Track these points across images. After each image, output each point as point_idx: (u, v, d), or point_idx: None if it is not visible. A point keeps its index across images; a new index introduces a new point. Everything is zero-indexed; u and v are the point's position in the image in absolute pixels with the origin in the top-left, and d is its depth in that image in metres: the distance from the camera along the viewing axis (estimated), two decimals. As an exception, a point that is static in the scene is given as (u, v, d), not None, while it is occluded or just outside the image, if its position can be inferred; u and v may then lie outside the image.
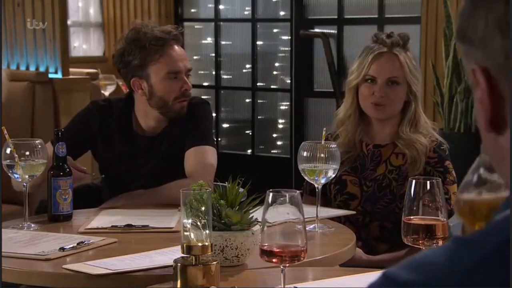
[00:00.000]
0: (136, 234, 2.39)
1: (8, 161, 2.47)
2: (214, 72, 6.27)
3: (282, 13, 6.01)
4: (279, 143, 6.11)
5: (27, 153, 2.48)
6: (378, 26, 5.35)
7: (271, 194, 1.68)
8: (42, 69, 4.90)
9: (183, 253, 1.77)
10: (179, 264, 1.76)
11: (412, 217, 1.88)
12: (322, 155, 2.43)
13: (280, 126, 6.10)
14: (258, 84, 6.11)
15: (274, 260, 1.69)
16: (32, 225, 2.45)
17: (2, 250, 2.09)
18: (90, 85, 4.96)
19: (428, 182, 1.88)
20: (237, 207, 1.96)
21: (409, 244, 1.89)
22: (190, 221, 1.76)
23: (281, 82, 6.07)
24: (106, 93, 5.24)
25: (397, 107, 2.68)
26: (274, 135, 6.14)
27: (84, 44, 6.37)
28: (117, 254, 2.11)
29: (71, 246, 2.17)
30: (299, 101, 5.85)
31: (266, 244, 1.69)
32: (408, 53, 2.68)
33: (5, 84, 4.52)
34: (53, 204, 2.53)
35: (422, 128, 2.68)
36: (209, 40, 6.32)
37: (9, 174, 2.49)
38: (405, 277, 0.77)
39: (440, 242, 1.86)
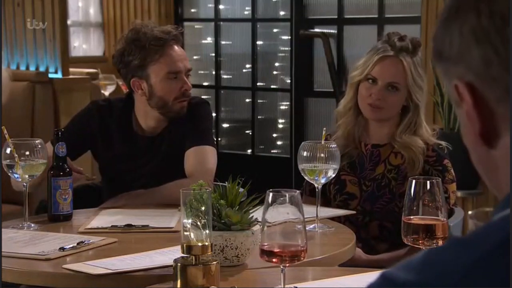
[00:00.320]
0: (136, 234, 2.39)
1: (8, 161, 2.47)
2: (214, 72, 6.27)
3: (282, 13, 6.01)
4: (279, 143, 6.11)
5: (27, 153, 2.48)
6: (378, 26, 5.35)
7: (271, 194, 1.68)
8: (42, 69, 4.90)
9: (183, 253, 1.77)
10: (179, 264, 1.76)
11: (412, 217, 1.88)
12: (322, 155, 2.43)
13: (280, 126, 6.10)
14: (258, 84, 6.11)
15: (274, 260, 1.69)
16: (32, 225, 2.45)
17: (2, 250, 2.09)
18: (90, 85, 4.96)
19: (428, 182, 1.88)
20: (237, 207, 1.96)
21: (409, 244, 1.89)
22: (190, 221, 1.76)
23: (281, 82, 6.06)
24: (106, 93, 5.24)
25: (393, 111, 2.68)
26: (274, 135, 6.14)
27: (84, 44, 6.37)
28: (117, 254, 2.11)
29: (71, 246, 2.17)
30: (299, 101, 5.85)
31: (266, 244, 1.69)
32: (415, 60, 2.66)
33: (8, 84, 4.52)
34: (53, 204, 2.53)
35: (420, 135, 2.67)
36: (209, 40, 6.32)
37: (9, 174, 2.49)
38: (403, 277, 0.77)
39: (440, 242, 1.86)
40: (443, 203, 1.89)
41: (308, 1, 5.81)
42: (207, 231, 1.76)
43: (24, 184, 2.48)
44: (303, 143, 2.49)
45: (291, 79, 5.90)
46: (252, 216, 1.98)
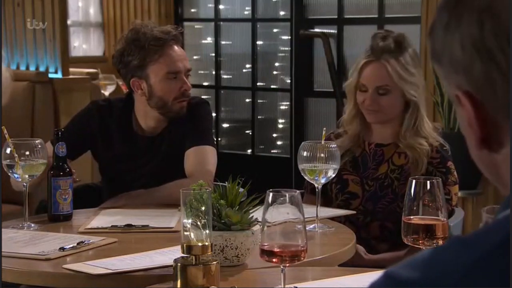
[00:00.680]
0: (136, 234, 2.39)
1: (8, 161, 2.47)
2: (214, 72, 6.27)
3: (282, 13, 6.01)
4: (279, 143, 6.11)
5: (27, 153, 2.48)
6: (378, 26, 5.35)
7: (271, 194, 1.68)
8: (42, 69, 4.90)
9: (183, 253, 1.77)
10: (179, 264, 1.76)
11: (412, 217, 1.88)
12: (322, 155, 2.43)
13: (280, 126, 6.10)
14: (258, 84, 6.11)
15: (274, 260, 1.69)
16: (32, 225, 2.45)
17: (2, 250, 2.09)
18: (90, 85, 4.96)
19: (428, 182, 1.88)
20: (237, 207, 1.96)
21: (409, 244, 1.89)
22: (190, 221, 1.76)
23: (281, 82, 6.06)
24: (106, 93, 5.24)
25: (392, 112, 2.67)
26: (274, 135, 6.14)
27: (84, 44, 6.37)
28: (117, 254, 2.11)
29: (71, 246, 2.17)
30: (299, 101, 5.85)
31: (266, 244, 1.69)
32: (402, 58, 2.63)
33: (8, 84, 4.51)
34: (53, 204, 2.53)
35: (424, 133, 2.66)
36: (209, 40, 6.32)
37: (9, 174, 2.49)
38: (406, 276, 0.77)
39: (440, 242, 1.86)
40: (443, 203, 1.89)
41: (308, 1, 5.81)
42: (207, 231, 1.76)
43: (24, 184, 2.48)
44: (303, 143, 2.49)
45: (291, 79, 5.89)
46: (252, 216, 1.98)
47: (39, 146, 2.51)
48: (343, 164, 2.63)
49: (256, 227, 1.96)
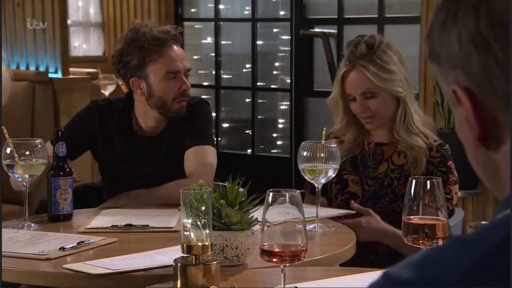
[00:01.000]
0: (136, 234, 2.39)
1: (8, 160, 2.47)
2: (214, 72, 6.27)
3: (282, 12, 6.01)
4: (279, 143, 6.11)
5: (27, 152, 2.48)
6: (378, 26, 5.35)
7: (271, 194, 1.68)
8: (42, 69, 4.90)
9: (183, 252, 1.77)
10: (179, 264, 1.76)
11: (412, 216, 1.88)
12: (322, 154, 2.44)
13: (280, 126, 6.10)
14: (258, 84, 6.11)
15: (274, 259, 1.69)
16: (32, 224, 2.45)
17: (2, 250, 2.09)
18: (90, 85, 4.96)
19: (428, 182, 1.88)
20: (237, 206, 1.96)
21: (409, 244, 1.89)
22: (190, 220, 1.76)
23: (281, 82, 6.06)
24: (106, 93, 5.24)
25: (386, 113, 2.66)
26: (274, 135, 6.14)
27: (84, 44, 6.37)
28: (117, 253, 2.11)
29: (71, 245, 2.17)
30: (299, 101, 5.85)
31: (266, 244, 1.69)
32: (377, 59, 2.61)
33: (9, 84, 4.51)
34: (53, 203, 2.53)
35: (415, 129, 2.66)
36: (209, 40, 6.32)
37: (9, 173, 2.49)
38: (405, 276, 0.77)
39: (440, 242, 1.86)
40: (443, 203, 1.89)
41: (308, 1, 5.81)
42: (207, 231, 1.76)
43: (24, 184, 2.48)
44: (303, 143, 2.49)
45: (291, 79, 5.89)
46: (252, 216, 1.98)
47: (39, 146, 2.51)
48: (343, 164, 2.63)
49: (256, 227, 1.96)
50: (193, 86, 5.95)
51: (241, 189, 2.00)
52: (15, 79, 4.63)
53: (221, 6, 6.23)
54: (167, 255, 2.04)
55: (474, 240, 0.78)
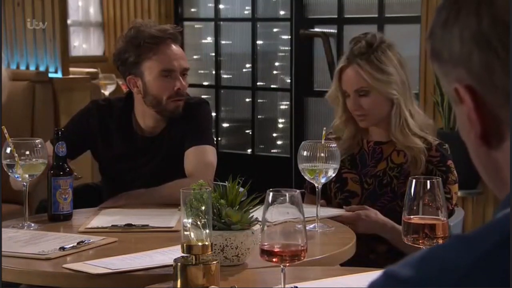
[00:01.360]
0: (136, 234, 2.39)
1: (8, 160, 2.47)
2: (214, 72, 6.27)
3: (282, 12, 6.01)
4: (279, 142, 6.11)
5: (27, 152, 2.48)
6: (378, 26, 5.35)
7: (271, 194, 1.68)
8: (42, 68, 4.90)
9: (183, 252, 1.77)
10: (179, 264, 1.76)
11: (412, 216, 1.88)
12: (322, 154, 2.44)
13: (280, 125, 6.10)
14: (258, 83, 6.11)
15: (274, 259, 1.69)
16: (32, 224, 2.45)
17: (2, 250, 2.09)
18: (90, 84, 4.96)
19: (428, 181, 1.88)
20: (237, 206, 1.96)
21: (409, 243, 1.89)
22: (190, 220, 1.76)
23: (281, 82, 6.06)
24: (106, 93, 5.24)
25: (378, 112, 2.66)
26: (274, 135, 6.14)
27: (84, 44, 6.37)
28: (117, 253, 2.11)
29: (71, 245, 2.17)
30: (299, 101, 5.85)
31: (266, 244, 1.69)
32: (374, 57, 2.62)
33: (6, 83, 4.51)
34: (53, 203, 2.53)
35: (411, 131, 2.65)
36: (209, 39, 6.32)
37: (9, 173, 2.49)
38: (405, 274, 0.77)
39: (440, 242, 1.86)
40: (443, 203, 1.89)
41: (308, 0, 5.81)
42: (207, 231, 1.76)
43: (24, 183, 2.48)
44: (303, 142, 2.49)
45: (291, 79, 5.89)
46: (252, 215, 1.98)
47: (39, 145, 2.51)
48: (342, 162, 2.63)
49: (256, 227, 1.96)
50: (193, 86, 5.97)
51: (241, 189, 2.00)
52: (15, 79, 4.63)
53: (221, 6, 6.23)
54: (167, 255, 2.04)
55: (475, 239, 0.78)
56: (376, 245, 2.65)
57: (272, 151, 6.15)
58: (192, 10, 6.44)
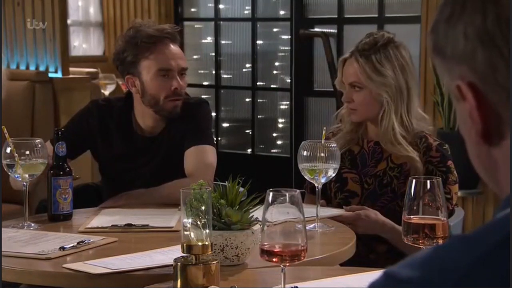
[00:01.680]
0: (136, 234, 2.39)
1: (8, 160, 2.47)
2: (214, 72, 6.26)
3: (282, 12, 6.01)
4: (279, 142, 6.11)
5: (27, 152, 2.48)
6: (378, 26, 5.35)
7: (271, 194, 1.68)
8: (42, 68, 4.90)
9: (183, 252, 1.77)
10: (179, 264, 1.76)
11: (412, 216, 1.88)
12: (322, 154, 2.44)
13: (280, 125, 6.10)
14: (258, 83, 6.11)
15: (274, 259, 1.69)
16: (32, 224, 2.45)
17: (2, 249, 2.09)
18: (90, 84, 4.96)
19: (428, 181, 1.88)
20: (237, 206, 1.96)
21: (409, 243, 1.89)
22: (190, 220, 1.76)
23: (281, 82, 6.06)
24: (106, 93, 5.24)
25: (367, 110, 2.66)
26: (274, 135, 6.14)
27: (84, 44, 6.37)
28: (117, 253, 2.11)
29: (71, 245, 2.17)
30: (299, 101, 5.85)
31: (266, 244, 1.69)
32: (374, 58, 2.62)
33: (5, 83, 4.52)
34: (53, 203, 2.53)
35: (397, 140, 2.63)
36: (209, 39, 6.32)
37: (9, 173, 2.49)
38: (406, 275, 0.77)
39: (440, 242, 1.86)
40: (444, 203, 1.89)
41: (308, 0, 5.81)
42: (207, 231, 1.76)
43: (24, 183, 2.48)
44: (303, 142, 2.49)
45: (291, 79, 5.90)
46: (252, 215, 1.98)
47: (39, 145, 2.51)
48: (342, 162, 2.63)
49: (256, 227, 1.96)
50: (193, 85, 5.97)
51: (241, 189, 2.00)
52: (15, 79, 4.63)
53: (221, 6, 6.23)
54: (167, 255, 2.04)
55: (475, 239, 0.78)
56: (376, 245, 2.65)
57: (272, 151, 6.15)
58: (192, 10, 6.44)
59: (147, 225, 2.44)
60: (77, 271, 1.98)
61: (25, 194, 2.47)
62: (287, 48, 5.94)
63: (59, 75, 4.86)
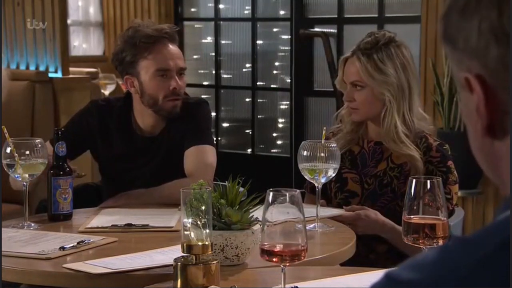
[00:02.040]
0: (136, 234, 2.39)
1: (8, 160, 2.47)
2: (214, 71, 6.26)
3: (282, 12, 6.01)
4: (279, 142, 6.11)
5: (27, 152, 2.48)
6: (378, 26, 5.35)
7: (271, 194, 1.68)
8: (42, 68, 4.90)
9: (183, 252, 1.77)
10: (179, 263, 1.76)
11: (412, 216, 1.88)
12: (322, 154, 2.44)
13: (280, 125, 6.10)
14: (258, 83, 6.11)
15: (274, 259, 1.69)
16: (32, 224, 2.45)
17: (2, 249, 2.09)
18: (90, 84, 4.96)
19: (428, 181, 1.88)
20: (237, 206, 1.96)
21: (410, 243, 1.89)
22: (190, 220, 1.76)
23: (281, 82, 6.06)
24: (106, 93, 5.24)
25: (368, 110, 2.66)
26: (274, 135, 6.14)
27: (84, 43, 6.37)
28: (117, 253, 2.11)
29: (71, 245, 2.17)
30: (299, 101, 5.85)
31: (266, 244, 1.69)
32: (376, 56, 2.62)
33: (5, 83, 4.52)
34: (53, 203, 2.53)
35: (400, 138, 2.63)
36: (209, 39, 6.32)
37: (9, 173, 2.49)
38: (407, 277, 0.77)
39: (440, 242, 1.86)
40: (444, 203, 1.89)
41: (308, 0, 5.81)
42: (207, 231, 1.76)
43: (24, 183, 2.48)
44: (303, 142, 2.49)
45: (291, 79, 5.89)
46: (252, 215, 1.98)
47: (39, 145, 2.51)
48: (342, 162, 2.63)
49: (256, 227, 1.96)
50: (193, 85, 5.97)
51: (241, 189, 2.00)
52: (15, 79, 4.63)
53: (221, 6, 6.23)
54: (167, 255, 2.04)
55: (475, 241, 0.78)
56: (376, 245, 2.65)
57: (272, 151, 6.15)
58: (192, 10, 6.44)
59: (147, 225, 2.44)
60: (77, 271, 1.98)
61: (25, 194, 2.47)
62: (287, 48, 5.94)
63: (59, 75, 4.86)
